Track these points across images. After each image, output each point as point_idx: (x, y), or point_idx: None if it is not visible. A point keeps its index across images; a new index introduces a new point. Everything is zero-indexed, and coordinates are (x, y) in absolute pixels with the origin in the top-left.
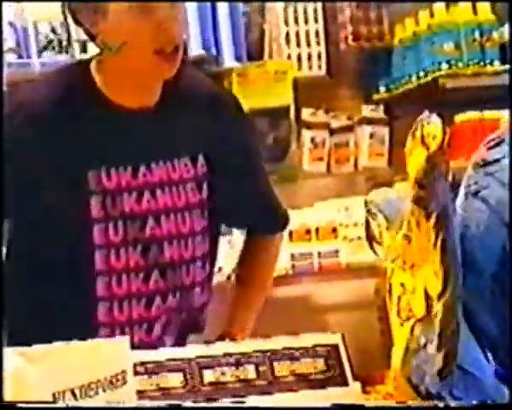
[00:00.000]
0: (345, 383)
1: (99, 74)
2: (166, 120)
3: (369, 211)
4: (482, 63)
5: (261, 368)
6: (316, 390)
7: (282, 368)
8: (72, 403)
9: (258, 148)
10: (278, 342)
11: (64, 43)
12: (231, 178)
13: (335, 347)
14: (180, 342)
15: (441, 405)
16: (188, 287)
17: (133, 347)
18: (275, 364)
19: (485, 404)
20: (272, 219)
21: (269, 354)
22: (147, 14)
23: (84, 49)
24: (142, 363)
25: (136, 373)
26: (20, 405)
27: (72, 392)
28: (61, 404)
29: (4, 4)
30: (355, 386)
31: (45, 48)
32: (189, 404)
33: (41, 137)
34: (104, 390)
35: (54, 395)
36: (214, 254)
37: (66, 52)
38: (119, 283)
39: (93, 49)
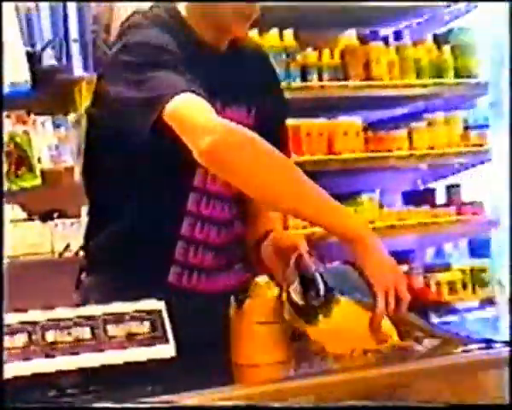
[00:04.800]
0: (167, 341)
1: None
2: (233, 66)
3: None
4: (287, 80)
5: (96, 330)
6: (143, 347)
7: (114, 330)
8: None
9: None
10: (112, 308)
11: None
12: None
13: (159, 312)
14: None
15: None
16: None
17: None
18: (108, 326)
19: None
20: None
21: (103, 317)
22: None
23: None
24: None
25: None
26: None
27: None
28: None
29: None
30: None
31: None
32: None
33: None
34: None
35: None
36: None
37: None
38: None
39: None
